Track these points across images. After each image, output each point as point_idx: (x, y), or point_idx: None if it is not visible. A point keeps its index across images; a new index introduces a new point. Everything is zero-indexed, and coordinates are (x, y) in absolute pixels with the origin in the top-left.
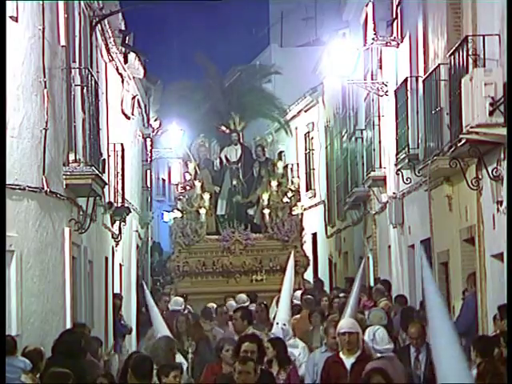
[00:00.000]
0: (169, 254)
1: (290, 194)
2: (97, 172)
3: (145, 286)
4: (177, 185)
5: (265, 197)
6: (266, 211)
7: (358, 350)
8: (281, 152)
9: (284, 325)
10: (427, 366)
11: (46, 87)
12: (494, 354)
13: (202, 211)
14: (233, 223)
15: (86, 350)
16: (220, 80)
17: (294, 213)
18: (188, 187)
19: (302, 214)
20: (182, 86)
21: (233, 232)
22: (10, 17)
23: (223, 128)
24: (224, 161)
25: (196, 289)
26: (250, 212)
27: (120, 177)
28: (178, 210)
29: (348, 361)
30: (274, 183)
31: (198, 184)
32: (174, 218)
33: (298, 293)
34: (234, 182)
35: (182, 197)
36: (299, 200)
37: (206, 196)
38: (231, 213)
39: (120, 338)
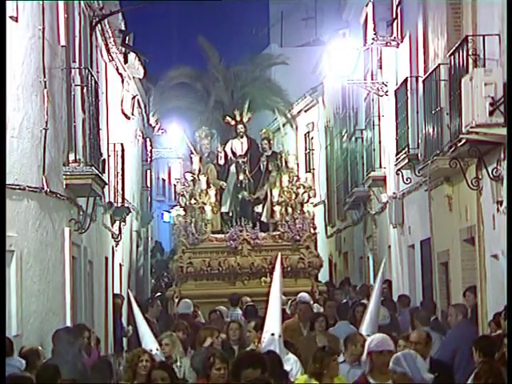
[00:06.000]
0: (169, 254)
1: (301, 190)
2: (97, 172)
3: (132, 298)
4: (178, 180)
5: (275, 193)
6: (277, 208)
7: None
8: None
9: (277, 335)
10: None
11: (46, 87)
12: (496, 356)
13: (208, 208)
14: (240, 221)
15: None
16: (223, 68)
17: (305, 210)
18: (191, 182)
19: (313, 212)
20: (180, 73)
21: (240, 231)
22: (10, 17)
23: (228, 119)
24: (229, 154)
25: (201, 291)
26: (258, 209)
27: (120, 177)
28: (181, 206)
29: None
30: (285, 178)
31: (202, 179)
32: (177, 216)
33: (304, 295)
34: (241, 177)
35: (184, 192)
36: (310, 196)
37: (212, 192)
38: (236, 210)
39: (119, 338)
